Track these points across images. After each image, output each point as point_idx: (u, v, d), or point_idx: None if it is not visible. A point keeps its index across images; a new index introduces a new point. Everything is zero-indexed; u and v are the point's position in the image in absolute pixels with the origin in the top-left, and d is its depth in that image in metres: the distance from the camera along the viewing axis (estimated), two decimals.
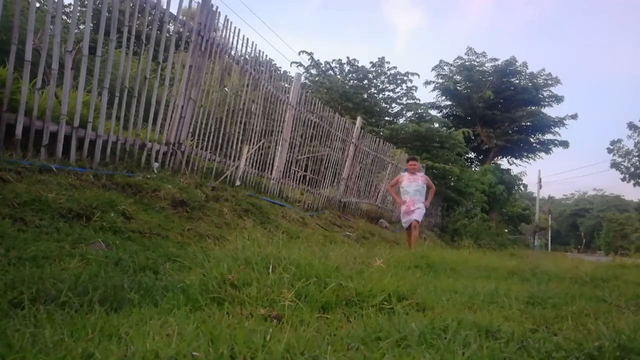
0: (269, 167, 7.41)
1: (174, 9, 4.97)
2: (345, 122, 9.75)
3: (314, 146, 8.82)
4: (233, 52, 6.26)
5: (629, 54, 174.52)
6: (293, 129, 7.92)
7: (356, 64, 18.91)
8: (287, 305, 1.68)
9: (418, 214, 7.21)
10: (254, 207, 5.33)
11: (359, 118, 10.88)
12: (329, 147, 9.16)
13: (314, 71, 19.02)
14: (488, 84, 22.93)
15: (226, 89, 6.69)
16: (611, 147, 32.42)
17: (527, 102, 23.36)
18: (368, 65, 18.87)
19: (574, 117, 24.15)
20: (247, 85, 6.54)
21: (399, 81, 18.99)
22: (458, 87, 23.79)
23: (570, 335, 1.59)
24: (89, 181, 3.69)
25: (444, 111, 25.21)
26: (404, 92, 19.20)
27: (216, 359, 1.16)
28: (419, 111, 18.79)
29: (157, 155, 5.00)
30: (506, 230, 24.81)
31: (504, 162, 26.27)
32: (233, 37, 6.13)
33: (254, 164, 6.92)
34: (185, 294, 1.80)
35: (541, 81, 23.77)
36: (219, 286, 1.82)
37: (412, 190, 7.34)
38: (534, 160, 26.39)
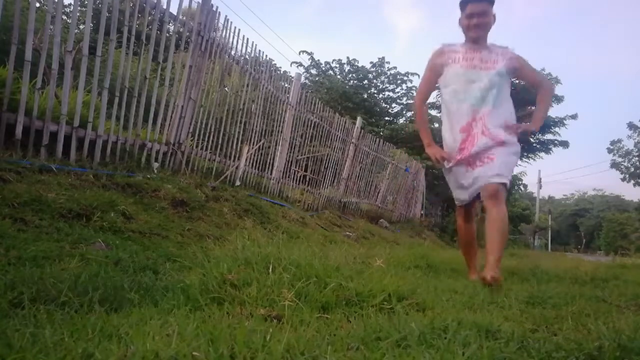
0: (269, 167, 7.41)
1: (174, 9, 4.98)
2: (345, 122, 9.75)
3: (314, 146, 8.82)
4: (233, 52, 6.27)
5: (630, 53, 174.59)
6: (293, 129, 7.92)
7: (356, 64, 18.96)
8: (287, 305, 1.68)
9: (500, 163, 2.75)
10: (254, 207, 5.33)
11: (359, 118, 10.89)
12: (329, 147, 9.16)
13: (314, 71, 19.07)
14: None
15: (226, 89, 6.69)
16: (611, 147, 32.52)
17: (527, 102, 23.27)
18: (368, 65, 18.95)
19: (574, 117, 24.11)
20: (247, 85, 6.54)
21: (399, 81, 19.03)
22: None
23: (570, 335, 1.59)
24: (89, 181, 3.69)
25: None
26: (404, 92, 19.25)
27: (216, 359, 1.16)
28: None
29: (157, 155, 5.00)
30: None
31: None
32: (233, 37, 6.14)
33: (254, 164, 6.92)
34: (185, 294, 1.80)
35: None
36: (219, 286, 1.82)
37: (477, 92, 2.82)
38: (534, 160, 26.34)
